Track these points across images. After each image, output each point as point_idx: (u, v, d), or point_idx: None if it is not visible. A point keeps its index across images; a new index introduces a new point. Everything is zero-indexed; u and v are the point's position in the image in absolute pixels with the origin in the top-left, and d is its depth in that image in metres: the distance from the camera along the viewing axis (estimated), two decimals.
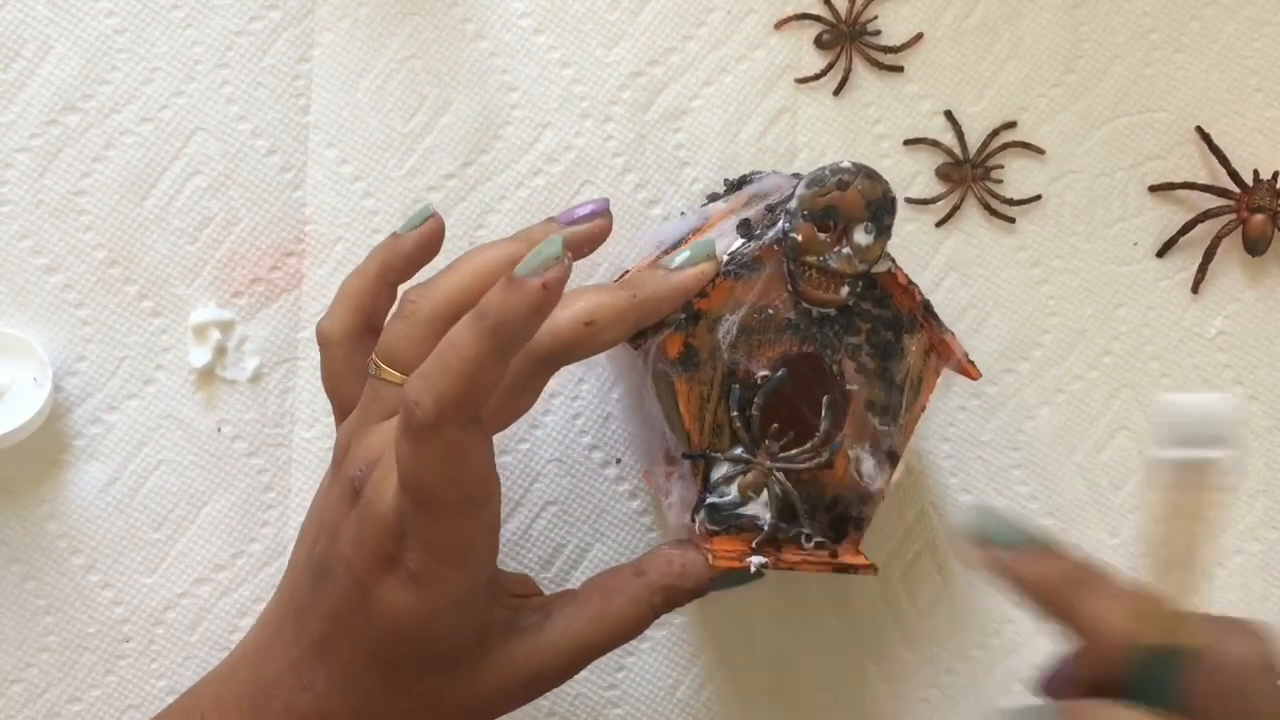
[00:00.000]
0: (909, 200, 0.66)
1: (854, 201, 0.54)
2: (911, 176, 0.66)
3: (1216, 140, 0.67)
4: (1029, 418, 0.66)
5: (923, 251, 0.66)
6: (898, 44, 0.66)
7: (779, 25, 0.66)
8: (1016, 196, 0.66)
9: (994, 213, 0.66)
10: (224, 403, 0.63)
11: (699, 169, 0.65)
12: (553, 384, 0.64)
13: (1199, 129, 0.67)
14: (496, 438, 0.64)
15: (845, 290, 0.55)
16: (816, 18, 0.66)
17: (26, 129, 0.62)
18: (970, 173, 0.66)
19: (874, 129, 0.66)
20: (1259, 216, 0.66)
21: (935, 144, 0.66)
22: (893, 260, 0.55)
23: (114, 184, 0.63)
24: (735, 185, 0.63)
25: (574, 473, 0.64)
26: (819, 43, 0.66)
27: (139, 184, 0.63)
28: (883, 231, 0.55)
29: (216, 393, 0.63)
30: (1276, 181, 0.66)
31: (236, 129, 0.63)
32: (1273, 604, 0.66)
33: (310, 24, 0.64)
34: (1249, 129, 0.67)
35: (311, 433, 0.63)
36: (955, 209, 0.66)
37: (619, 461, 0.64)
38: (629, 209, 0.65)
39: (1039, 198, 0.66)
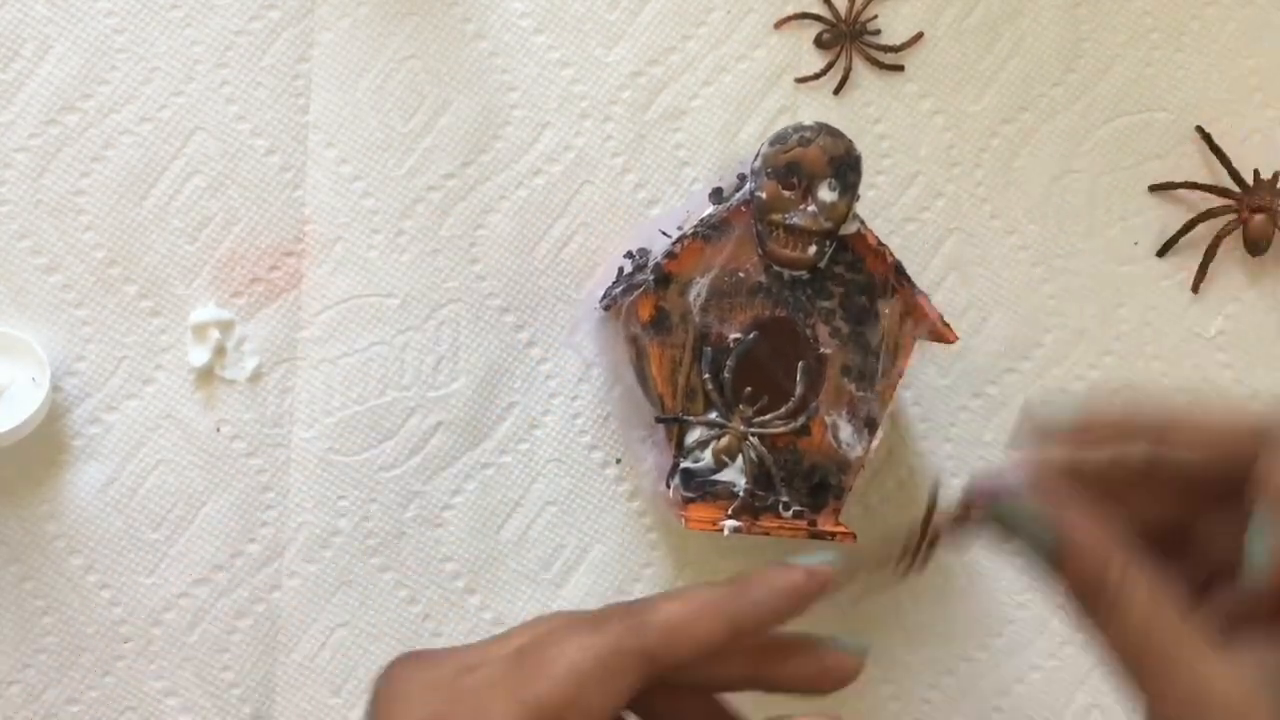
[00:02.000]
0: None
1: (817, 158, 0.55)
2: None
3: (1217, 140, 0.67)
4: None
5: (923, 251, 0.66)
6: (898, 43, 0.66)
7: (779, 25, 0.66)
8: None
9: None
10: (223, 403, 0.63)
11: (699, 169, 0.65)
12: (552, 384, 0.64)
13: (1199, 129, 0.67)
14: (498, 436, 0.64)
15: (813, 250, 0.56)
16: (816, 17, 0.66)
17: (25, 129, 0.62)
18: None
19: (874, 128, 0.66)
20: (1259, 216, 0.66)
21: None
22: (861, 222, 0.56)
23: (113, 184, 0.63)
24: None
25: (574, 473, 0.64)
26: (819, 42, 0.66)
27: (138, 184, 0.63)
28: (847, 189, 0.55)
29: (215, 393, 0.63)
30: (1277, 181, 0.66)
31: (236, 129, 0.63)
32: None
33: (310, 24, 0.64)
34: (1249, 129, 0.67)
35: (310, 433, 0.63)
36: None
37: (619, 461, 0.64)
38: (629, 209, 0.65)
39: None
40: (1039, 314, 0.66)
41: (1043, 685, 0.65)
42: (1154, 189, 0.67)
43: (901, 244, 0.66)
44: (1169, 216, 0.67)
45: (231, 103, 0.63)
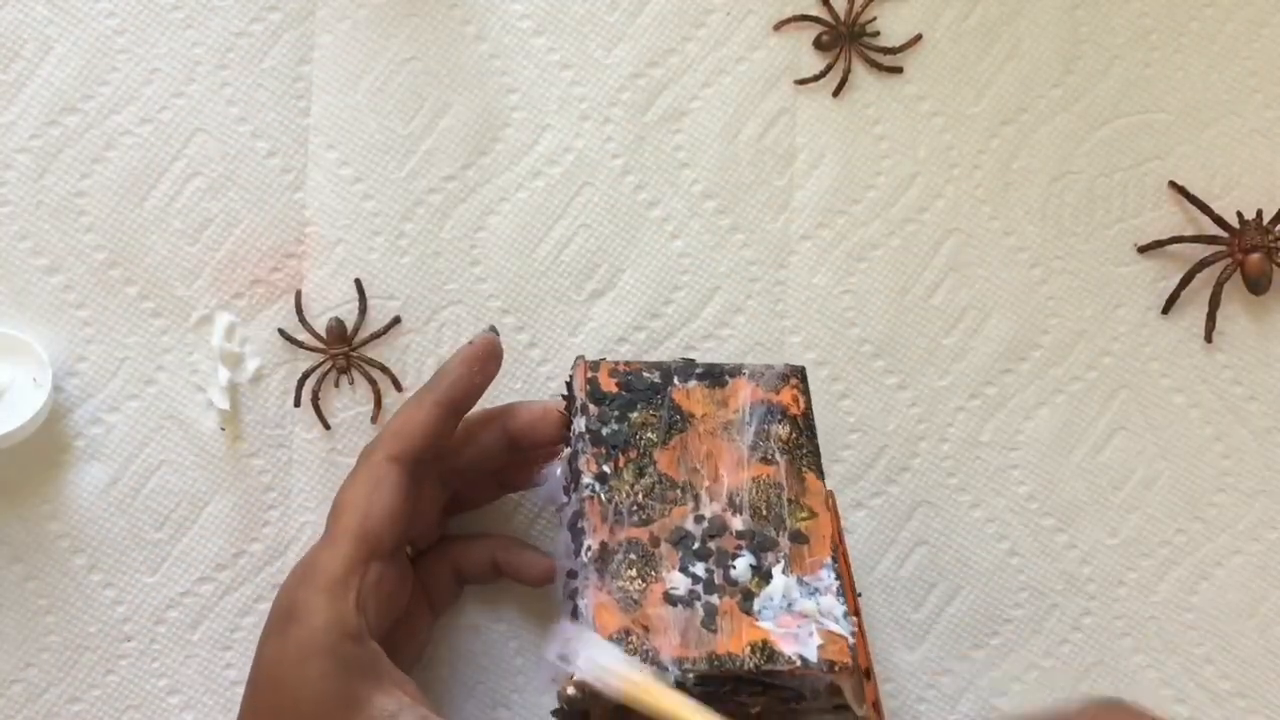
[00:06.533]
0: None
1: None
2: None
3: (1212, 145, 0.67)
4: (1028, 418, 0.66)
5: (922, 252, 0.66)
6: (897, 45, 0.66)
7: (778, 27, 0.66)
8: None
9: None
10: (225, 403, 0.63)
11: (698, 170, 0.65)
12: (553, 385, 0.64)
13: (1173, 184, 0.66)
14: None
15: None
16: (815, 19, 0.66)
17: (26, 130, 0.63)
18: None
19: (873, 130, 0.66)
20: (1255, 256, 0.65)
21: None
22: None
23: (114, 185, 0.63)
24: (692, 369, 0.59)
25: None
26: (818, 44, 0.66)
27: (139, 185, 0.63)
28: None
29: (217, 393, 0.63)
30: (1262, 218, 0.66)
31: (237, 130, 0.64)
32: (1271, 604, 0.66)
33: (310, 26, 0.64)
34: (1248, 129, 0.67)
35: (312, 434, 0.63)
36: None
37: None
38: (629, 210, 0.65)
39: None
40: (1037, 315, 0.66)
41: (1040, 685, 0.65)
42: (1143, 250, 0.66)
43: (901, 245, 0.66)
44: (1167, 218, 0.67)
45: (232, 104, 0.63)
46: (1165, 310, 0.66)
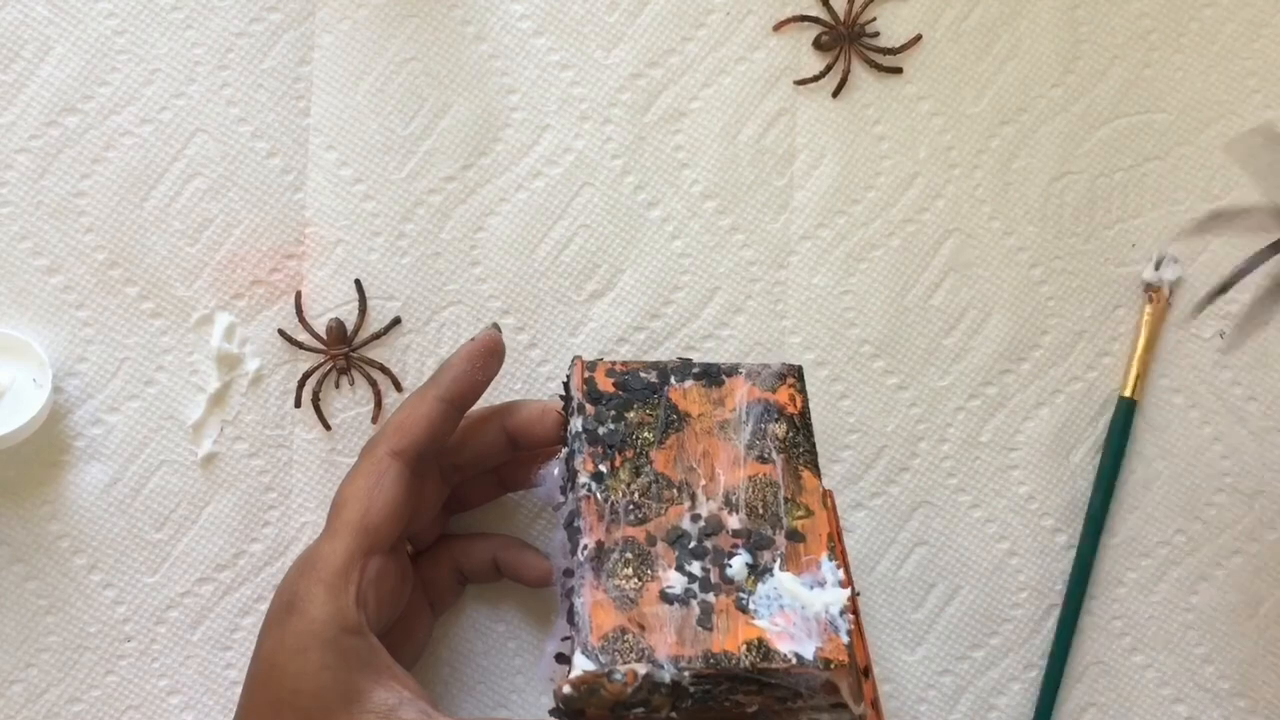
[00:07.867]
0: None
1: None
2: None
3: (1212, 145, 0.66)
4: (1028, 418, 0.66)
5: (922, 252, 0.66)
6: (896, 45, 0.66)
7: (778, 27, 0.66)
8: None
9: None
10: (225, 404, 0.63)
11: (698, 170, 0.65)
12: (553, 386, 0.65)
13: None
14: None
15: None
16: (815, 19, 0.66)
17: (26, 130, 0.63)
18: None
19: (873, 130, 0.66)
20: None
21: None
22: None
23: (114, 185, 0.63)
24: (689, 368, 0.59)
25: None
26: (818, 44, 0.66)
27: (139, 185, 0.63)
28: None
29: (218, 394, 0.63)
30: None
31: (237, 131, 0.64)
32: (1270, 605, 0.66)
33: (310, 26, 0.64)
34: (1248, 130, 0.67)
35: (312, 434, 0.63)
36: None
37: None
38: (629, 210, 0.65)
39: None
40: (1037, 315, 0.66)
41: (1039, 684, 0.65)
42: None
43: (901, 245, 0.66)
44: (1168, 219, 0.67)
45: (232, 105, 0.64)
46: (1196, 314, 0.66)
